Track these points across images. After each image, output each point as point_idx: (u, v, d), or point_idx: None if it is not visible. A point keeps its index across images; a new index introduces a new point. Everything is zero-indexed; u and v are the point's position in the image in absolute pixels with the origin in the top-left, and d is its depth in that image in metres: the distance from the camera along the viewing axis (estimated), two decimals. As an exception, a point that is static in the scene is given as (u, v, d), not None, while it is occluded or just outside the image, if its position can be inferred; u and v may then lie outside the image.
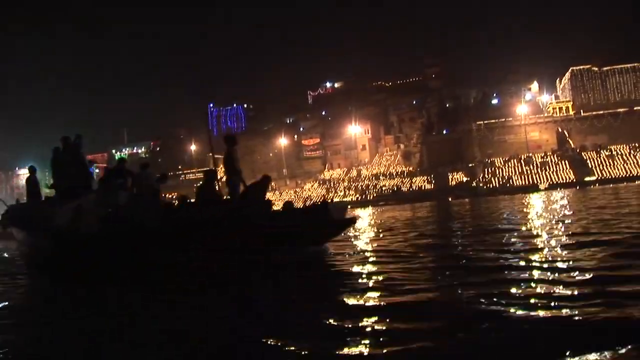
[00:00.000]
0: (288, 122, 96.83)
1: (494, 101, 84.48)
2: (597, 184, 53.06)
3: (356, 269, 6.30)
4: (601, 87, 71.74)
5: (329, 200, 32.20)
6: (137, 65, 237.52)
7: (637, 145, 61.95)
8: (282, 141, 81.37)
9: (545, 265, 5.33)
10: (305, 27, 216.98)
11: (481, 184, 59.60)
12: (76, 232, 8.66)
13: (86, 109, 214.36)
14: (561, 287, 4.21)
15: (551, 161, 63.41)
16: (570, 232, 8.29)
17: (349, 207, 15.84)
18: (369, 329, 3.43)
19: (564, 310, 3.47)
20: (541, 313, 3.50)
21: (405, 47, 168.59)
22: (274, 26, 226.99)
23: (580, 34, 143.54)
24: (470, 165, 65.11)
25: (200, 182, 9.83)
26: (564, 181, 57.39)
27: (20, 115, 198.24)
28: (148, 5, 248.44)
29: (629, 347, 2.72)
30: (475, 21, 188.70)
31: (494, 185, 59.44)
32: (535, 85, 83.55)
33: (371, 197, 62.65)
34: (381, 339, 3.19)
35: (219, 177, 10.04)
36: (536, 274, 4.94)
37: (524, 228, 9.89)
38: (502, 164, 65.58)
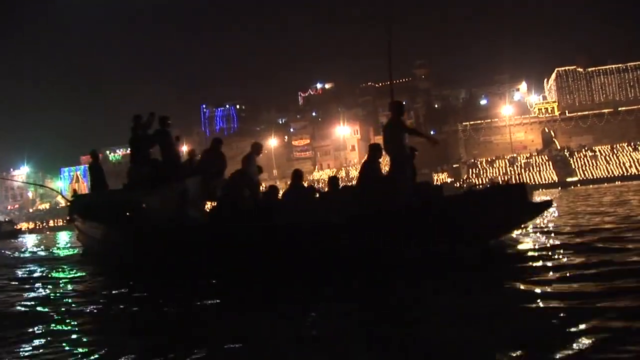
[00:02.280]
0: (280, 122, 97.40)
1: (483, 102, 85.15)
2: (579, 185, 53.81)
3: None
4: (586, 88, 72.37)
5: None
6: (128, 64, 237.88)
7: (618, 145, 62.67)
8: (272, 142, 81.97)
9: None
10: (296, 28, 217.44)
11: (464, 185, 60.25)
12: (185, 222, 7.58)
13: (79, 109, 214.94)
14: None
15: (535, 162, 64.11)
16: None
17: None
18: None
19: None
20: None
21: (395, 48, 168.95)
22: (266, 27, 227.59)
23: (568, 35, 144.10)
24: (455, 166, 65.81)
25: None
26: (547, 182, 58.10)
27: (12, 115, 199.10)
28: (141, 6, 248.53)
29: None
30: (466, 21, 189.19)
31: (477, 186, 60.07)
32: (523, 86, 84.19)
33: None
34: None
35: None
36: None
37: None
38: (487, 164, 66.27)
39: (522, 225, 7.69)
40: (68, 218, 12.26)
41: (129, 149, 9.68)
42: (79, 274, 8.34)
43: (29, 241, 32.28)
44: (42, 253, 14.96)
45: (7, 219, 65.85)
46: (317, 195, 7.58)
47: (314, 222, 6.47)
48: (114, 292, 6.19)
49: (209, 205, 9.47)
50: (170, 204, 7.94)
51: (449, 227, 6.09)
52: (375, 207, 6.49)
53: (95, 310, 5.08)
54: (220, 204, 7.88)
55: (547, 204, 6.84)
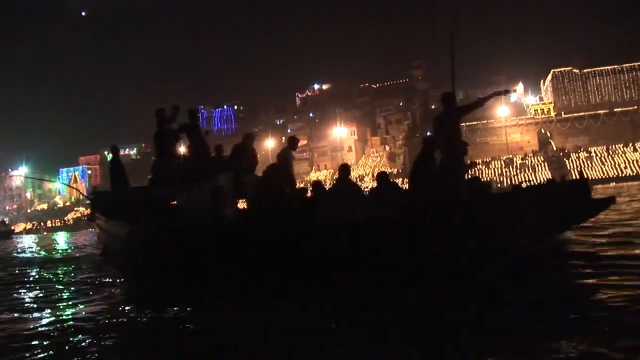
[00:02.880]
0: (278, 123, 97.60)
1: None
2: (573, 186, 53.86)
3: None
4: (582, 89, 72.57)
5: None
6: (128, 64, 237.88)
7: (614, 147, 62.86)
8: (269, 143, 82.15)
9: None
10: (294, 28, 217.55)
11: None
12: (222, 221, 7.20)
13: (77, 110, 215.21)
14: None
15: (530, 163, 64.30)
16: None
17: None
18: None
19: None
20: None
21: (393, 49, 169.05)
22: (264, 27, 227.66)
23: (568, 35, 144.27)
24: (451, 167, 65.90)
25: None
26: (541, 183, 58.21)
27: (12, 115, 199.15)
28: (139, 6, 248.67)
29: None
30: (463, 21, 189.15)
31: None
32: (520, 87, 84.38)
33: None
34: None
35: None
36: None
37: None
38: (483, 165, 66.42)
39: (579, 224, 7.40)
40: (88, 216, 11.41)
41: (154, 144, 9.14)
42: (106, 280, 8.03)
43: (26, 241, 32.39)
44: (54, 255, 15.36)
45: (1, 220, 66.12)
46: (364, 191, 7.27)
47: (375, 217, 6.00)
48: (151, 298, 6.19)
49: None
50: (204, 201, 7.44)
51: (510, 224, 5.75)
52: (430, 203, 6.11)
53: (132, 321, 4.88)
54: (258, 201, 7.29)
55: (609, 201, 6.32)
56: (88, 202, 11.82)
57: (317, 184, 7.54)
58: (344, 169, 7.03)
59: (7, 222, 67.97)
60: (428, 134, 74.42)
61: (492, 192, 7.30)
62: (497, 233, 5.73)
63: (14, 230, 66.47)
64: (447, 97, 6.89)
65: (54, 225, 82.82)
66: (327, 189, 7.49)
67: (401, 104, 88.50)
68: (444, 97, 6.96)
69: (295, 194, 7.84)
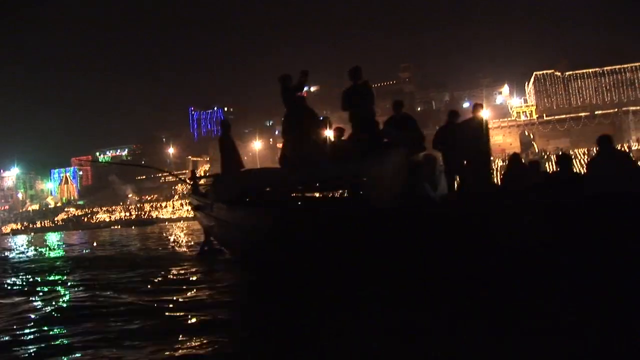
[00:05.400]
0: (268, 124, 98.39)
1: (466, 105, 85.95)
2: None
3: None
4: (564, 92, 73.27)
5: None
6: (116, 67, 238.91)
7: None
8: (256, 144, 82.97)
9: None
10: (283, 31, 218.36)
11: None
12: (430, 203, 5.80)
13: (68, 112, 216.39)
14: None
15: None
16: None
17: None
18: None
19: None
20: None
21: (380, 52, 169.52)
22: (253, 30, 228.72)
23: (550, 38, 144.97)
24: (433, 169, 66.49)
25: None
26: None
27: (1, 116, 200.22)
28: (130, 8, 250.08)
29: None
30: (451, 24, 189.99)
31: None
32: (506, 89, 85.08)
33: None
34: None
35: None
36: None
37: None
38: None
39: None
40: (195, 206, 9.40)
41: (284, 122, 7.59)
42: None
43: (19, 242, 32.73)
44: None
45: None
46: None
47: None
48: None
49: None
50: (392, 178, 5.87)
51: None
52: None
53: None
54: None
55: None
56: (189, 189, 9.90)
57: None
58: (515, 158, 6.72)
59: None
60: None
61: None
62: None
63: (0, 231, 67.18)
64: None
65: (43, 225, 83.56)
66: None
67: (388, 106, 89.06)
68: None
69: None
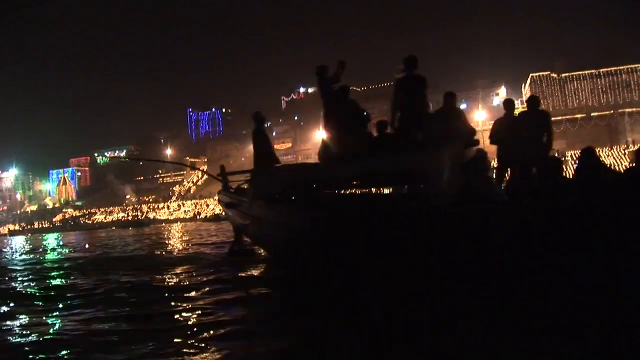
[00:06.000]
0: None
1: (463, 106, 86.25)
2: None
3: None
4: (560, 93, 73.58)
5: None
6: (115, 68, 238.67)
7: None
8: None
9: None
10: (281, 32, 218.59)
11: None
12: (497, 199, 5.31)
13: (66, 112, 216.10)
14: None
15: (507, 166, 65.23)
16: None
17: None
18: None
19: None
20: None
21: (380, 52, 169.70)
22: (251, 31, 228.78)
23: (550, 38, 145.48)
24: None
25: None
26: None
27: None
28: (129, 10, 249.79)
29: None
30: (451, 24, 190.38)
31: None
32: (503, 90, 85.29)
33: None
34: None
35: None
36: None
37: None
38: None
39: None
40: (226, 203, 8.91)
41: (323, 114, 7.30)
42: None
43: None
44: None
45: None
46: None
47: None
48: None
49: None
50: (457, 173, 5.52)
51: None
52: None
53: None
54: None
55: None
56: (220, 188, 9.34)
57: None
58: (588, 152, 5.56)
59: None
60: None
61: None
62: None
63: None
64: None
65: (40, 226, 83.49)
66: None
67: (385, 107, 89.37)
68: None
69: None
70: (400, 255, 4.98)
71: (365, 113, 7.74)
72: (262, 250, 9.12)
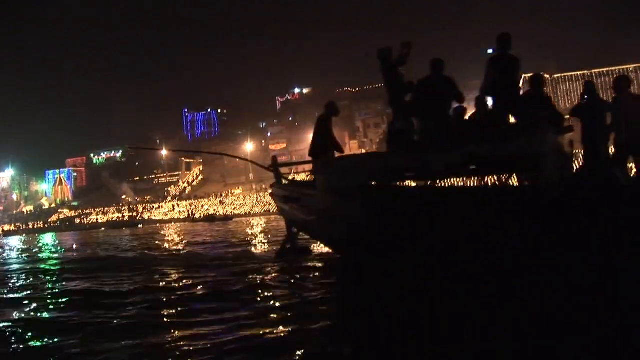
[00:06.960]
0: (262, 126, 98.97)
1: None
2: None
3: None
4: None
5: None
6: (111, 69, 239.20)
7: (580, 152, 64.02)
8: (248, 146, 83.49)
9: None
10: (277, 33, 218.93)
11: None
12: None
13: (62, 113, 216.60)
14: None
15: (499, 166, 65.46)
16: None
17: None
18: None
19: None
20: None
21: (372, 53, 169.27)
22: (247, 32, 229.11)
23: (549, 38, 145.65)
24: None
25: None
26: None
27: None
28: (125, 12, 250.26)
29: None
30: (451, 24, 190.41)
31: None
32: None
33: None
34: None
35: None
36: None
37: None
38: (454, 169, 67.55)
39: None
40: (282, 197, 8.06)
41: (390, 101, 6.77)
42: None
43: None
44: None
45: None
46: None
47: None
48: None
49: None
50: (564, 155, 5.36)
51: None
52: None
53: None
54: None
55: None
56: (274, 181, 8.77)
57: None
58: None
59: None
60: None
61: None
62: None
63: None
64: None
65: (36, 227, 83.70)
66: None
67: (380, 107, 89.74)
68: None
69: None
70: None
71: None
72: (320, 247, 8.44)
